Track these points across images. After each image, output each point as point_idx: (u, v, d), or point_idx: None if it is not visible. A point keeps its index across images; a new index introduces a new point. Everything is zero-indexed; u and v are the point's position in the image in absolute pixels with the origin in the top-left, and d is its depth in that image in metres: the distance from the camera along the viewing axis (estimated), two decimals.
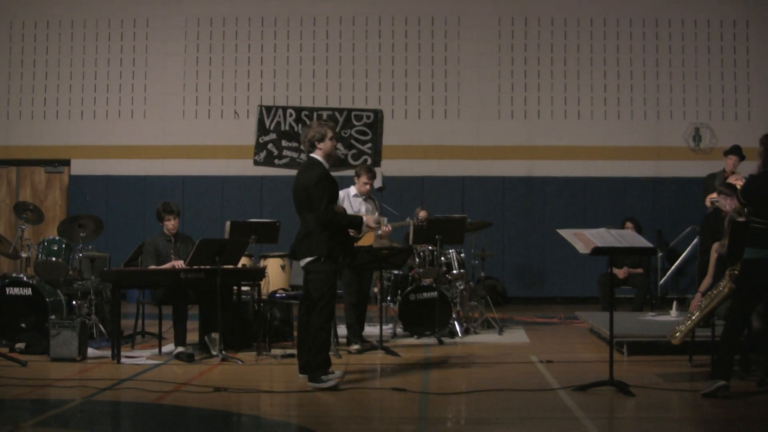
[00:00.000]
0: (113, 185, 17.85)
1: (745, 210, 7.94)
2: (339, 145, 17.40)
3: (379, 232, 11.06)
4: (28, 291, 10.74)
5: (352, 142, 17.43)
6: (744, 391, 7.88)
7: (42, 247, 11.35)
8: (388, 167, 15.40)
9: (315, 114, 17.58)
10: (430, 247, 11.90)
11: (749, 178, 7.87)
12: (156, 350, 10.31)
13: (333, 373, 8.19)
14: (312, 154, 8.50)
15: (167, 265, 10.15)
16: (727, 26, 17.65)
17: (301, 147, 17.30)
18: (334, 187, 8.49)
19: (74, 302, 11.26)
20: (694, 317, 8.57)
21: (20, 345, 10.16)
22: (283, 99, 17.77)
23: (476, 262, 13.16)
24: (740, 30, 17.64)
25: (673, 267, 16.72)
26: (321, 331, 8.27)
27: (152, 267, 10.21)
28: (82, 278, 11.60)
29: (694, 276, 16.11)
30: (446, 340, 11.34)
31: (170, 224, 10.50)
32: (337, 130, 17.47)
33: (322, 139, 8.43)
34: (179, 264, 10.08)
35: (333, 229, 8.29)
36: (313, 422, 6.96)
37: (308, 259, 8.32)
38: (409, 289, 11.73)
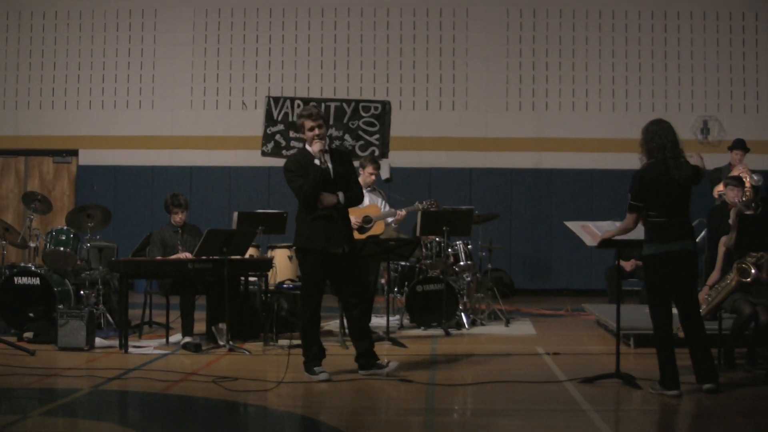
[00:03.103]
0: (121, 175, 17.89)
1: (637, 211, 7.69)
2: (346, 137, 17.37)
3: (390, 220, 11.08)
4: (37, 281, 10.78)
5: (360, 133, 17.37)
6: (751, 385, 7.88)
7: (50, 237, 11.37)
8: (396, 159, 15.34)
9: (323, 105, 17.54)
10: (437, 239, 11.91)
11: (637, 175, 7.69)
12: (163, 340, 10.33)
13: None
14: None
15: (173, 257, 10.16)
16: (735, 18, 17.61)
17: None
18: (306, 168, 8.21)
19: (82, 292, 11.29)
20: (701, 309, 8.56)
21: (28, 334, 10.19)
22: (291, 90, 17.75)
23: (483, 253, 13.17)
24: (749, 22, 17.60)
25: None
26: (304, 326, 8.36)
27: (158, 258, 10.23)
28: (90, 268, 11.63)
29: (702, 269, 16.11)
30: (453, 331, 11.35)
31: (177, 217, 10.50)
32: (345, 121, 17.44)
33: (301, 129, 8.39)
34: (186, 256, 10.09)
35: (311, 209, 8.22)
36: (320, 413, 6.99)
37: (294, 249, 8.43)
38: (416, 280, 11.73)
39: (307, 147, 8.40)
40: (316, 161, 8.18)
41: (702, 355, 7.52)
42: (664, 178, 7.49)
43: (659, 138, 7.67)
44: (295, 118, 10.33)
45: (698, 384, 7.52)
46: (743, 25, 17.59)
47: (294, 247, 8.48)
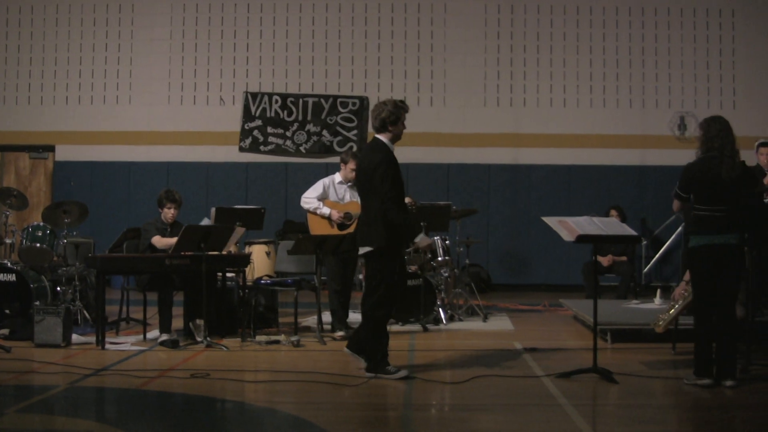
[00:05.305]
0: (98, 171, 17.80)
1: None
2: (325, 132, 17.39)
3: None
4: (13, 277, 10.71)
5: (338, 129, 17.41)
6: None
7: (26, 233, 11.32)
8: None
9: (301, 100, 17.56)
10: None
11: (687, 167, 7.88)
12: (141, 336, 10.31)
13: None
14: (379, 135, 8.20)
15: (170, 240, 10.10)
16: (713, 15, 17.69)
17: (288, 131, 17.36)
18: (398, 170, 8.11)
19: (59, 288, 11.24)
20: (677, 305, 8.63)
21: (4, 331, 10.15)
22: (268, 85, 17.75)
23: (461, 249, 13.19)
24: (726, 19, 17.69)
25: (657, 255, 16.83)
26: (380, 323, 8.13)
27: (157, 237, 10.24)
28: (67, 264, 11.56)
29: (678, 264, 16.20)
30: (431, 327, 11.36)
31: (170, 213, 10.45)
32: (323, 116, 17.47)
33: (395, 122, 8.12)
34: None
35: (402, 209, 8.04)
36: (297, 408, 6.97)
37: (366, 249, 8.07)
38: None
39: (385, 141, 8.17)
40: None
41: (726, 353, 7.62)
42: (711, 175, 7.70)
43: (721, 138, 7.83)
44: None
45: (718, 380, 7.60)
46: (720, 22, 17.68)
47: (368, 249, 8.07)
